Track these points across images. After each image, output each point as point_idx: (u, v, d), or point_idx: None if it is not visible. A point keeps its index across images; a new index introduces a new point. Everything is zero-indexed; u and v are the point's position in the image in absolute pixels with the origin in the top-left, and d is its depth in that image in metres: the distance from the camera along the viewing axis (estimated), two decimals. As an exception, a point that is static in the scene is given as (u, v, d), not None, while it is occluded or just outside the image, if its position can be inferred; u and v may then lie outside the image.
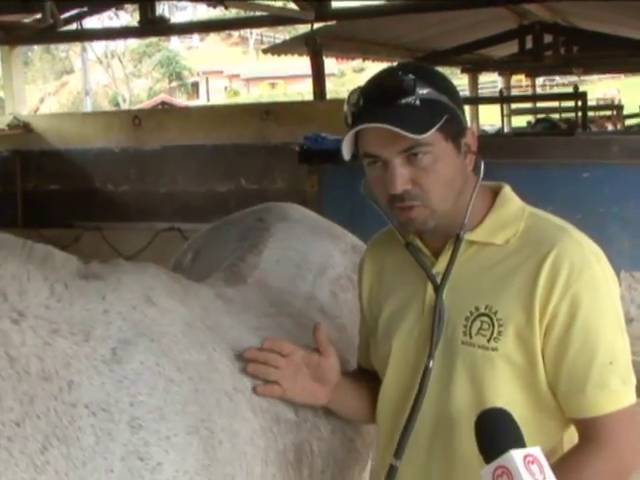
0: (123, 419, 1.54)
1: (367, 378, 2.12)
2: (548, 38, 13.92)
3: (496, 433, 1.64)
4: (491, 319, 1.82)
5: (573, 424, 1.86)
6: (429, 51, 15.55)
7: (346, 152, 1.86)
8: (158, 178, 11.11)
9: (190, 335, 1.76)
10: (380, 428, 2.04)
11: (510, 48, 15.39)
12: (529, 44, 13.81)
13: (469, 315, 1.85)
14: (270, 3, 10.86)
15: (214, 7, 8.77)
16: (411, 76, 1.80)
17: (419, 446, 1.89)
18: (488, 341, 1.82)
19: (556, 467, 1.77)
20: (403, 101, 1.78)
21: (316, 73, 12.05)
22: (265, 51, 14.27)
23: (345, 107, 1.87)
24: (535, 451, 1.59)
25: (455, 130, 1.84)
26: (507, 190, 1.97)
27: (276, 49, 13.95)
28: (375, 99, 1.81)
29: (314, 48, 11.57)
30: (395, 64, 2.00)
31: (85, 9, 11.22)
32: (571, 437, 1.88)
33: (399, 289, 2.00)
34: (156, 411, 1.58)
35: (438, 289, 1.89)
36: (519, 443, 1.60)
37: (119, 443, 1.54)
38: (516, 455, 1.56)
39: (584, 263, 1.81)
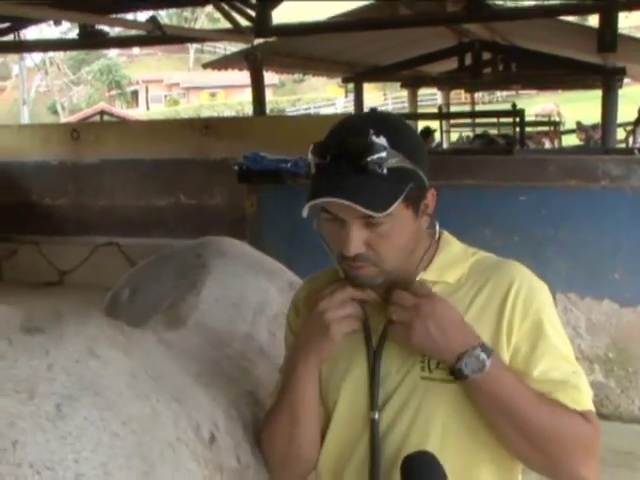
0: (68, 477, 1.52)
1: None
2: (487, 55, 14.11)
3: (421, 478, 1.68)
4: None
5: None
6: (369, 66, 15.67)
7: (305, 212, 1.80)
8: (96, 192, 11.04)
9: (134, 387, 1.76)
10: (323, 472, 2.03)
11: (450, 63, 15.57)
12: (468, 60, 13.98)
13: None
14: (212, 25, 10.89)
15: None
16: (383, 139, 1.76)
17: None
18: (448, 374, 1.84)
19: (545, 399, 1.82)
20: (370, 169, 1.75)
21: (256, 88, 12.08)
22: (205, 66, 14.29)
23: (310, 156, 1.83)
24: None
25: (417, 196, 1.84)
26: (447, 234, 2.02)
27: (216, 64, 13.97)
28: (342, 159, 1.77)
29: (254, 64, 11.60)
30: (366, 114, 2.01)
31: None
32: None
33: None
34: (100, 467, 1.57)
35: (375, 355, 1.91)
36: None
37: (64, 501, 1.53)
38: None
39: (538, 285, 1.91)
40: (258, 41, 11.50)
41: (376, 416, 1.88)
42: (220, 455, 1.90)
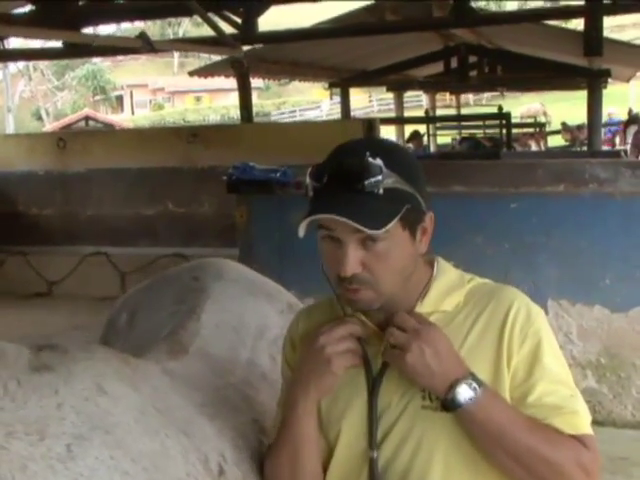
0: (80, 519, 1.53)
1: None
2: (472, 58, 14.16)
3: None
4: None
5: None
6: (356, 71, 15.70)
7: (301, 231, 1.82)
8: (84, 201, 11.00)
9: (142, 422, 1.76)
10: None
11: (436, 66, 15.62)
12: (454, 63, 14.03)
13: None
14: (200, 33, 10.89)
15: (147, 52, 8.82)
16: (379, 161, 1.78)
17: None
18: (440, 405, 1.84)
19: (539, 426, 1.81)
20: (367, 189, 1.77)
21: (243, 95, 12.06)
22: (191, 73, 14.24)
23: (307, 179, 1.85)
24: None
25: (414, 218, 1.85)
26: (442, 260, 2.03)
27: (203, 71, 13.95)
28: (338, 180, 1.79)
29: (240, 71, 11.59)
30: (362, 139, 2.00)
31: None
32: None
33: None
34: (112, 507, 1.58)
35: (372, 391, 1.91)
36: None
37: None
38: None
39: (535, 310, 1.91)
40: (244, 48, 11.48)
41: (374, 455, 1.88)
42: (229, 488, 1.90)
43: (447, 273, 1.99)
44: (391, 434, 1.89)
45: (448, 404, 1.80)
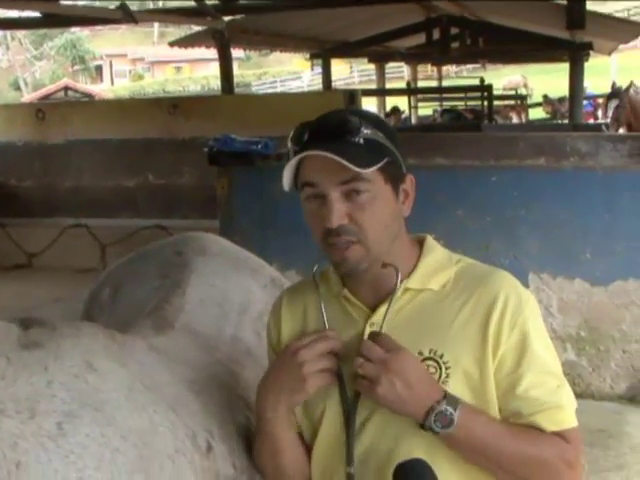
0: (72, 495, 1.54)
1: None
2: (455, 30, 14.16)
3: None
4: (437, 362, 1.84)
5: None
6: (337, 42, 15.65)
7: (286, 182, 1.85)
8: (63, 173, 10.91)
9: (132, 399, 1.76)
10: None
11: (418, 38, 15.59)
12: (436, 35, 14.02)
13: None
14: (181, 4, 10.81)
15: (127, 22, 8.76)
16: (357, 117, 1.84)
17: None
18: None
19: (522, 431, 1.82)
20: (347, 139, 1.81)
21: (224, 66, 12.01)
22: (172, 44, 14.15)
23: (289, 143, 1.88)
24: None
25: (395, 174, 1.88)
26: (431, 239, 2.03)
27: (183, 42, 13.87)
28: (320, 134, 1.83)
29: (222, 42, 11.53)
30: (340, 109, 2.05)
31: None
32: None
33: None
34: (104, 484, 1.59)
35: (348, 417, 1.89)
36: None
37: (68, 522, 1.53)
38: None
39: (525, 296, 1.90)
40: (225, 18, 11.42)
41: (352, 470, 1.88)
42: (217, 463, 1.91)
43: (435, 252, 1.99)
44: (370, 421, 1.89)
45: (426, 430, 1.79)
